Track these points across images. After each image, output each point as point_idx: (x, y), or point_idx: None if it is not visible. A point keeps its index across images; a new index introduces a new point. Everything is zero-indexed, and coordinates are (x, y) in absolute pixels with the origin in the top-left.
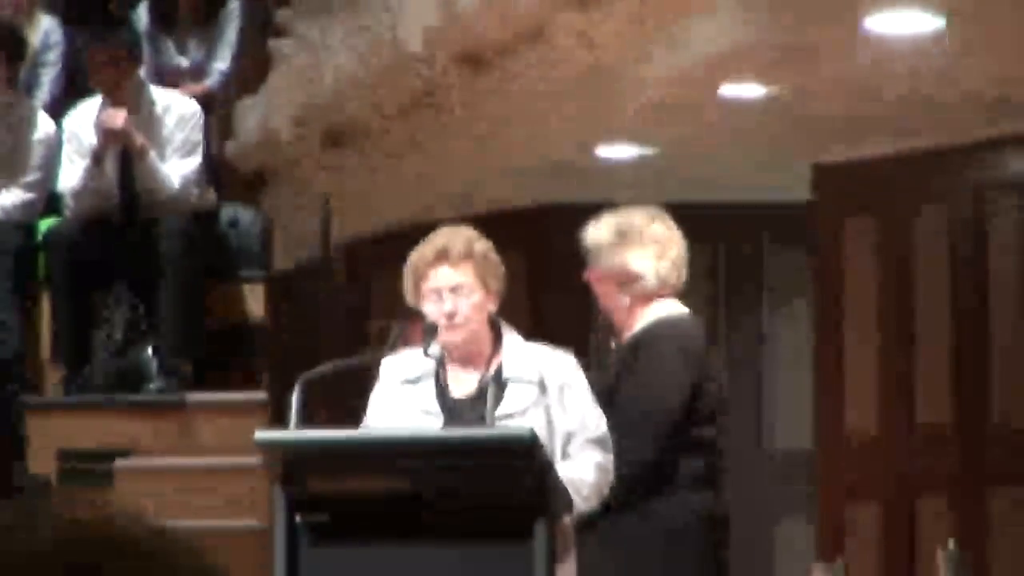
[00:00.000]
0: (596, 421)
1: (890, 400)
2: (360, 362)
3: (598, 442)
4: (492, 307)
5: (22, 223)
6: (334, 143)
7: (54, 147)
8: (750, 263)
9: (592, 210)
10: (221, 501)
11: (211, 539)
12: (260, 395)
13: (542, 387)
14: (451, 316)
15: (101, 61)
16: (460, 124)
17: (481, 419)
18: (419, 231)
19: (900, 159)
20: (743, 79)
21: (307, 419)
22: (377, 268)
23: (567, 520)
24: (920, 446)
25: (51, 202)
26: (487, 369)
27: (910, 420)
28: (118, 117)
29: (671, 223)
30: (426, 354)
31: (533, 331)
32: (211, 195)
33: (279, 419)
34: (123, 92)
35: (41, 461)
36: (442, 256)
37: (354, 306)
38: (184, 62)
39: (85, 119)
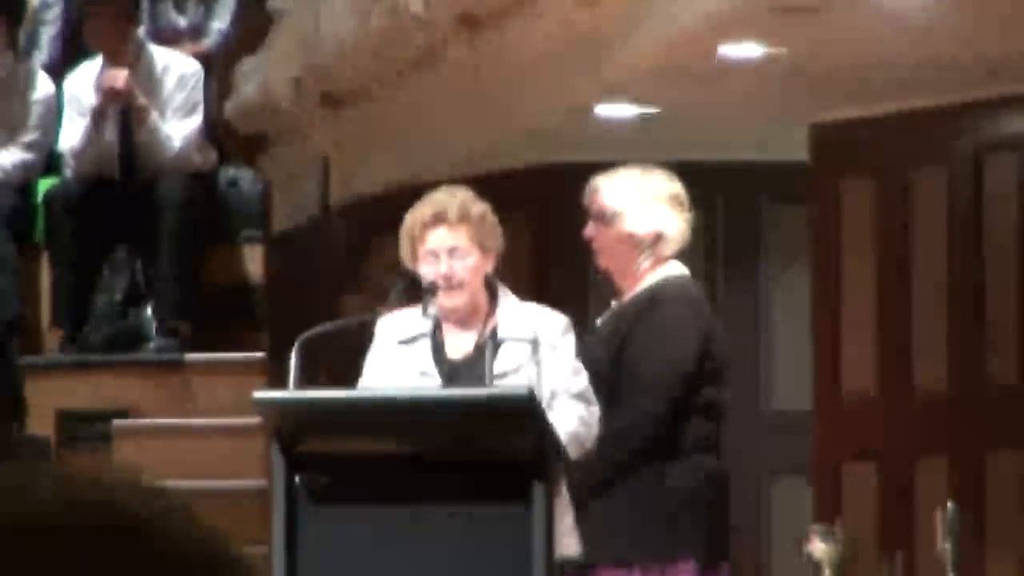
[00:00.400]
0: (580, 376)
1: (888, 361)
2: (359, 321)
3: (580, 396)
4: (489, 268)
5: (21, 183)
6: (333, 104)
7: (53, 108)
8: (749, 222)
9: (591, 169)
10: (220, 461)
11: (210, 499)
12: (259, 355)
13: (535, 345)
14: (448, 278)
15: (99, 21)
16: (460, 85)
17: (478, 380)
18: (419, 192)
19: (898, 118)
20: (742, 39)
21: (307, 379)
22: (376, 229)
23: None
24: (918, 408)
25: (51, 162)
26: (484, 329)
27: (908, 381)
28: (119, 77)
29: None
30: (425, 314)
31: (535, 290)
32: (211, 156)
33: (278, 379)
34: (122, 52)
35: (40, 422)
36: (439, 218)
37: (353, 266)
38: (182, 22)
39: (85, 80)
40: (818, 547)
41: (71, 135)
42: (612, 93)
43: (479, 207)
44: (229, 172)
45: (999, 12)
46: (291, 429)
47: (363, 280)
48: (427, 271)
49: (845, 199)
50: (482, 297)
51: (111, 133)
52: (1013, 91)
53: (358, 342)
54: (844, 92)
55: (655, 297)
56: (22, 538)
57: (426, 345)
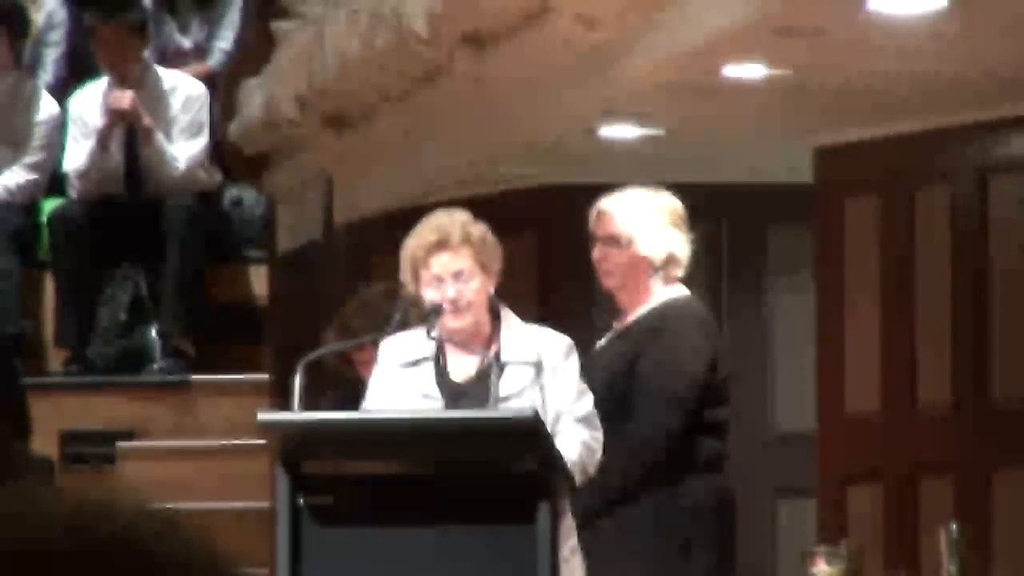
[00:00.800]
0: (584, 400)
1: (892, 380)
2: (362, 343)
3: (584, 420)
4: (491, 288)
5: (25, 203)
6: (337, 123)
7: (57, 127)
8: (753, 243)
9: (595, 189)
10: (224, 482)
11: (214, 520)
12: (263, 376)
13: (539, 368)
14: (455, 302)
15: (107, 40)
16: (463, 104)
17: (481, 402)
18: (422, 211)
19: (902, 139)
20: (746, 59)
21: (311, 399)
22: (380, 249)
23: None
24: (922, 426)
25: (55, 183)
26: (487, 351)
27: (912, 400)
28: (125, 97)
29: None
30: (430, 336)
31: (538, 310)
32: (216, 175)
33: (283, 399)
34: (129, 72)
35: (43, 442)
36: (442, 243)
37: (357, 286)
38: (186, 42)
39: (90, 100)
40: (823, 567)
41: (76, 156)
42: (616, 113)
43: (479, 229)
44: (233, 192)
45: (1003, 33)
46: (295, 450)
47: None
48: (432, 295)
49: (849, 219)
50: (485, 319)
51: (116, 153)
52: (1017, 112)
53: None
54: (848, 113)
55: (665, 317)
56: (28, 563)
57: (429, 368)
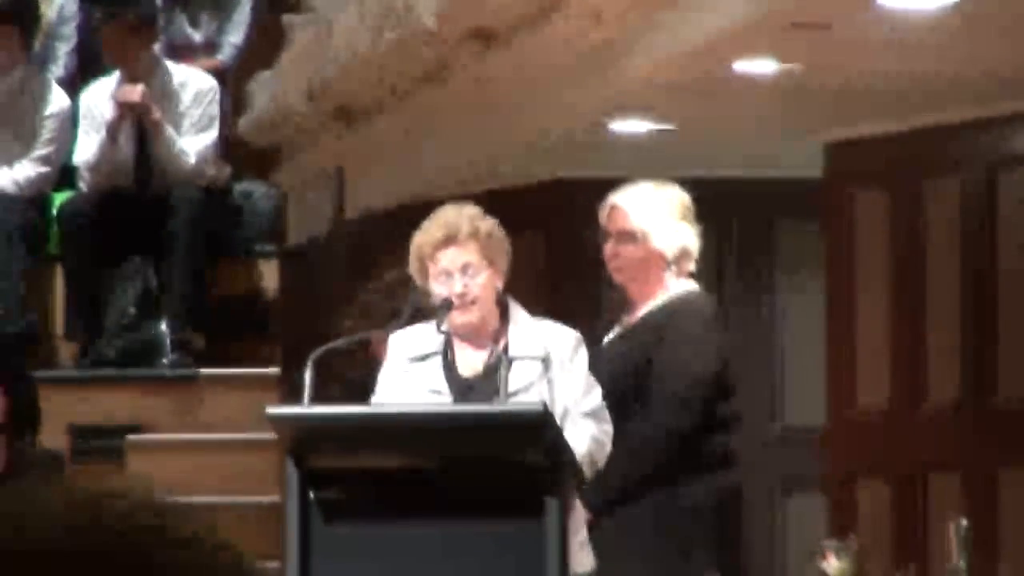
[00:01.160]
0: (592, 394)
1: (901, 376)
2: (372, 337)
3: (592, 415)
4: (499, 283)
5: (35, 197)
6: (347, 118)
7: (67, 121)
8: (762, 238)
9: (605, 184)
10: (233, 476)
11: (223, 515)
12: (273, 370)
13: (547, 362)
14: (463, 296)
15: (117, 35)
16: (472, 99)
17: (489, 397)
18: (431, 205)
19: (911, 134)
20: (756, 55)
21: (320, 393)
22: (388, 243)
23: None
24: (931, 422)
25: (66, 176)
26: (495, 346)
27: (921, 396)
28: (135, 92)
29: None
30: (439, 330)
31: (547, 304)
32: (225, 169)
33: (292, 394)
34: (139, 66)
35: (52, 435)
36: (449, 237)
37: (366, 280)
38: (197, 36)
39: (101, 94)
40: (831, 562)
41: (86, 149)
42: (625, 108)
43: (487, 223)
44: (243, 186)
45: (1011, 29)
46: (305, 444)
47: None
48: (440, 290)
49: (858, 214)
50: (493, 314)
51: (126, 147)
52: None
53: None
54: (858, 108)
55: (675, 313)
56: (32, 561)
57: (437, 363)
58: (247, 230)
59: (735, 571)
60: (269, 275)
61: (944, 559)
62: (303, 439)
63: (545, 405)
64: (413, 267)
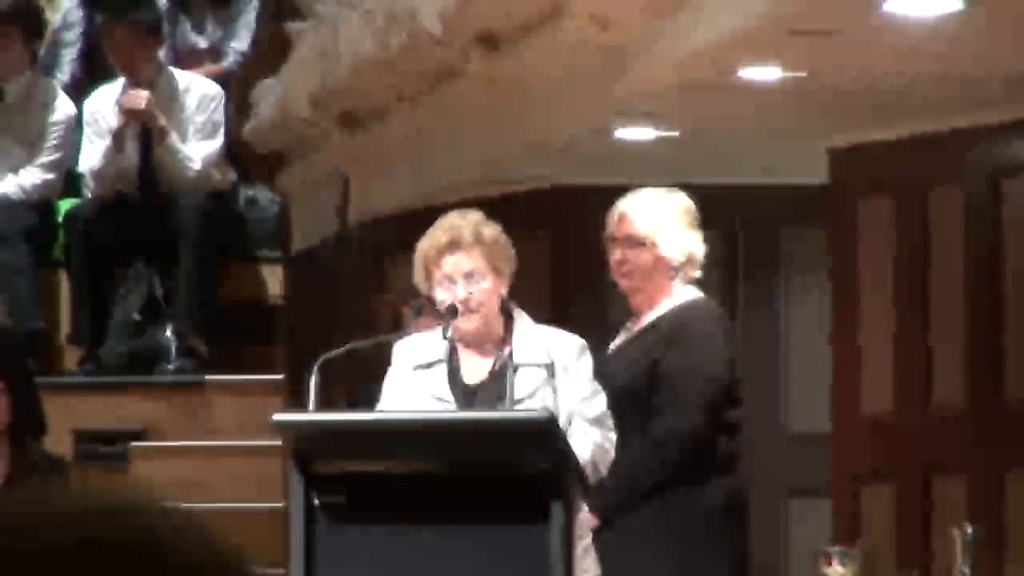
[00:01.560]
0: (596, 401)
1: (906, 381)
2: (377, 343)
3: (596, 421)
4: (503, 289)
5: (40, 203)
6: (351, 124)
7: (73, 127)
8: (767, 244)
9: (610, 190)
10: (238, 482)
11: (228, 520)
12: (277, 376)
13: (551, 369)
14: (466, 302)
15: (119, 41)
16: (477, 105)
17: (493, 404)
18: (436, 211)
19: (916, 140)
20: (761, 61)
21: (324, 398)
22: (394, 249)
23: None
24: (936, 427)
25: (71, 182)
26: (500, 351)
27: (926, 401)
28: (141, 97)
29: None
30: (444, 337)
31: (553, 310)
32: (230, 175)
33: (297, 399)
34: (144, 72)
35: (57, 440)
36: (454, 244)
37: (371, 286)
38: (202, 42)
39: (106, 100)
40: (836, 567)
41: (91, 155)
42: (631, 115)
43: (492, 230)
44: (248, 191)
45: (1017, 35)
46: (309, 450)
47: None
48: (443, 296)
49: (863, 220)
50: (497, 320)
51: (132, 153)
52: None
53: (375, 363)
54: (862, 114)
55: (683, 319)
56: (43, 562)
57: (442, 370)
58: (252, 236)
59: (745, 574)
60: (274, 280)
61: (949, 563)
62: (308, 445)
63: (550, 411)
64: (417, 272)
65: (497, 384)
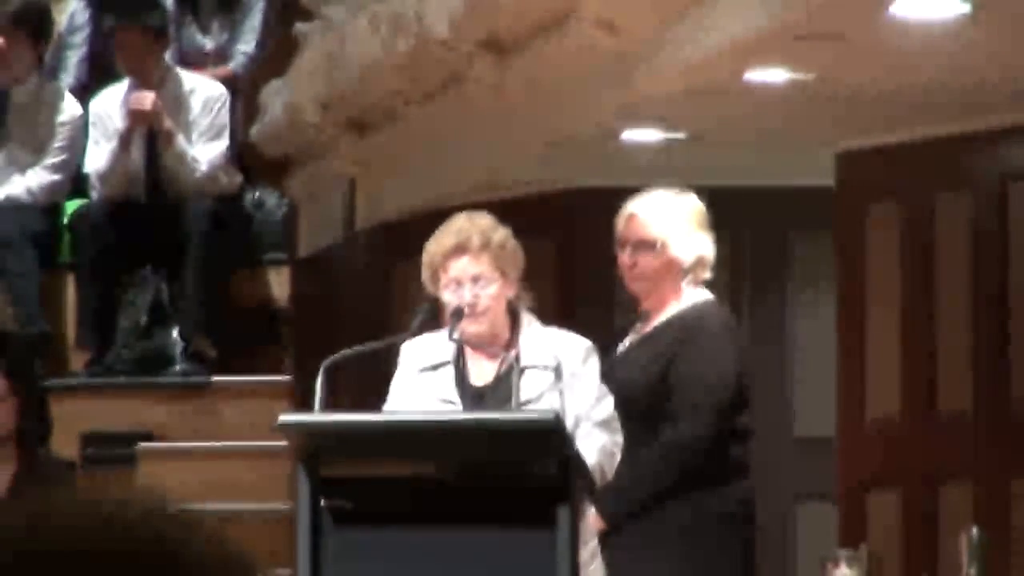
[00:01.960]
0: (603, 404)
1: (913, 386)
2: (384, 346)
3: (603, 424)
4: (511, 293)
5: (47, 205)
6: (359, 127)
7: (79, 129)
8: (774, 248)
9: (617, 193)
10: (245, 484)
11: (235, 522)
12: (284, 378)
13: (558, 372)
14: (473, 306)
15: (126, 43)
16: (484, 109)
17: (500, 406)
18: (444, 215)
19: (924, 144)
20: (768, 64)
21: (332, 402)
22: (401, 252)
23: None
24: (943, 432)
25: (77, 185)
26: (507, 354)
27: (933, 406)
28: (147, 99)
29: None
30: (451, 339)
31: (560, 313)
32: (237, 178)
33: (304, 402)
34: (150, 74)
35: (64, 443)
36: (461, 247)
37: (378, 290)
38: (208, 44)
39: (112, 102)
40: (842, 572)
41: (97, 158)
42: (638, 118)
43: (500, 234)
44: (255, 194)
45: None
46: (317, 452)
47: (388, 304)
48: (450, 298)
49: (870, 225)
50: (504, 323)
51: (137, 155)
52: None
53: (383, 365)
54: (870, 118)
55: (694, 321)
56: (53, 564)
57: (449, 372)
58: (259, 239)
59: None
60: (281, 284)
61: (956, 569)
62: (314, 447)
63: (557, 414)
64: (425, 275)
65: (504, 386)
